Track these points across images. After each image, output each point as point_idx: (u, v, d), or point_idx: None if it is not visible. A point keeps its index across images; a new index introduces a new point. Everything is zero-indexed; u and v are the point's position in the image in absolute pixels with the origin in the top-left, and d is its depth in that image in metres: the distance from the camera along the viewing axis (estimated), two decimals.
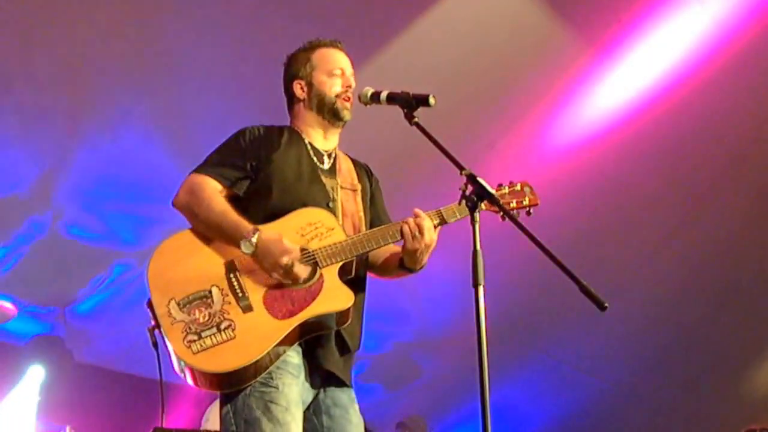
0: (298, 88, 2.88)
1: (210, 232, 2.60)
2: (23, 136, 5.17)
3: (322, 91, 2.84)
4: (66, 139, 5.21)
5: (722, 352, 6.99)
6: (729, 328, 6.82)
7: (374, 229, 2.75)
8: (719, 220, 6.13)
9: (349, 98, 2.84)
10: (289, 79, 2.92)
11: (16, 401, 5.88)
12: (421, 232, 2.61)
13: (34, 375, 5.98)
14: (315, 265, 2.58)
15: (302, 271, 2.54)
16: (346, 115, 2.85)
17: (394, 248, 2.78)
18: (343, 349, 2.66)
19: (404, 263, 2.72)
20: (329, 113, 2.84)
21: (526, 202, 2.85)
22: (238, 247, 2.52)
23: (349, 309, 2.58)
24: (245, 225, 2.54)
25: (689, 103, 5.34)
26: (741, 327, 6.83)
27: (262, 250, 2.50)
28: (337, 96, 2.83)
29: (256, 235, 2.51)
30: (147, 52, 4.86)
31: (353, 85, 2.86)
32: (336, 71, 2.86)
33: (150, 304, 2.51)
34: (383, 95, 2.68)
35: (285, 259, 2.49)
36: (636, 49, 5.12)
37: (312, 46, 2.91)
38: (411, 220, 2.64)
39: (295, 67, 2.91)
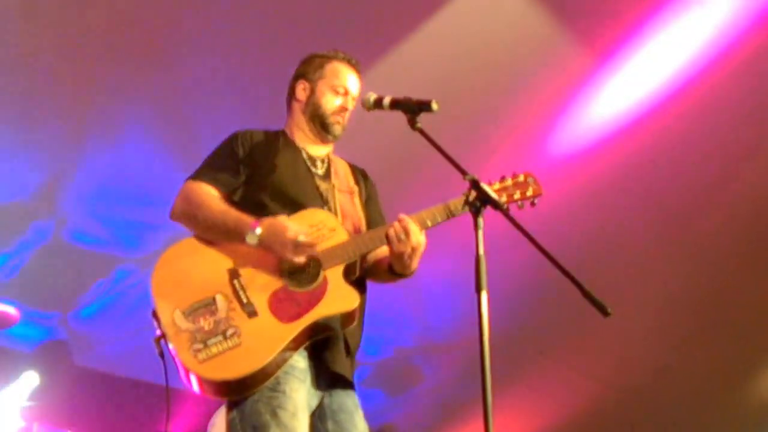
0: (300, 89, 2.91)
1: (212, 233, 2.61)
2: (27, 142, 5.18)
3: (318, 102, 2.87)
4: (69, 145, 5.22)
5: (726, 358, 6.98)
6: (733, 334, 6.80)
7: (376, 228, 2.77)
8: (723, 223, 6.12)
9: (342, 118, 2.86)
10: (297, 75, 2.95)
11: (4, 405, 5.87)
12: (407, 234, 2.59)
13: (27, 381, 5.97)
14: (318, 267, 2.58)
15: (310, 243, 2.52)
16: (337, 130, 2.87)
17: (384, 252, 2.76)
18: (347, 350, 2.67)
19: (393, 268, 2.71)
20: (320, 126, 2.87)
21: (530, 193, 2.83)
22: (243, 240, 2.52)
23: (355, 310, 2.58)
24: (246, 219, 2.55)
25: (691, 106, 5.34)
26: (745, 333, 6.82)
27: (267, 234, 2.51)
28: (331, 113, 2.86)
29: (258, 227, 2.51)
30: (150, 57, 4.87)
31: (350, 108, 2.88)
32: (340, 89, 2.88)
33: (155, 314, 2.51)
34: (386, 101, 2.69)
35: (290, 233, 2.49)
36: (637, 55, 5.12)
37: (330, 56, 2.93)
38: (396, 224, 2.62)
39: (307, 67, 2.94)
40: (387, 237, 2.62)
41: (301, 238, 2.50)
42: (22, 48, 4.70)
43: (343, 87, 2.88)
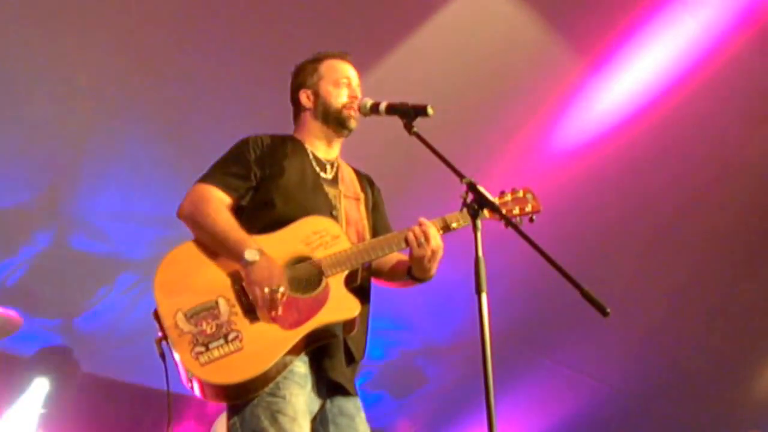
0: (305, 97, 2.91)
1: (213, 246, 2.61)
2: (28, 149, 5.19)
3: (328, 101, 2.87)
4: (71, 151, 5.23)
5: (726, 357, 6.98)
6: (733, 333, 6.80)
7: (379, 237, 2.76)
8: (721, 221, 6.12)
9: (354, 108, 2.85)
10: (295, 88, 2.95)
11: (19, 414, 5.88)
12: (426, 239, 2.61)
13: (38, 387, 5.98)
14: (321, 274, 2.59)
15: (279, 307, 2.49)
16: (352, 124, 2.87)
17: (401, 255, 2.78)
18: (349, 359, 2.67)
19: (412, 273, 2.72)
20: (335, 122, 2.87)
21: (528, 209, 2.86)
22: (238, 261, 2.52)
23: (355, 318, 2.58)
24: (249, 243, 2.54)
25: (683, 108, 5.37)
26: (745, 332, 6.82)
27: (260, 265, 2.49)
28: (343, 106, 2.86)
29: (259, 253, 2.51)
30: (151, 62, 4.88)
31: (359, 96, 2.88)
32: (342, 80, 2.89)
33: (157, 315, 2.51)
34: (382, 106, 2.71)
35: (268, 286, 2.46)
36: (629, 58, 5.15)
37: (320, 57, 2.95)
38: (416, 228, 2.64)
39: (302, 76, 2.95)
40: (407, 241, 2.64)
41: (274, 294, 2.46)
42: (22, 51, 4.72)
43: (345, 77, 2.90)
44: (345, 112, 2.85)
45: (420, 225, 2.64)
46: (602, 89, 5.32)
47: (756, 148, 5.68)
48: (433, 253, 2.63)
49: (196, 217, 2.64)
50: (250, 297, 2.50)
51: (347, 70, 2.93)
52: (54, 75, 4.86)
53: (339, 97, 2.87)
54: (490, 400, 2.12)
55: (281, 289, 2.46)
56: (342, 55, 2.96)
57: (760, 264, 6.41)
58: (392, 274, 2.84)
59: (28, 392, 5.89)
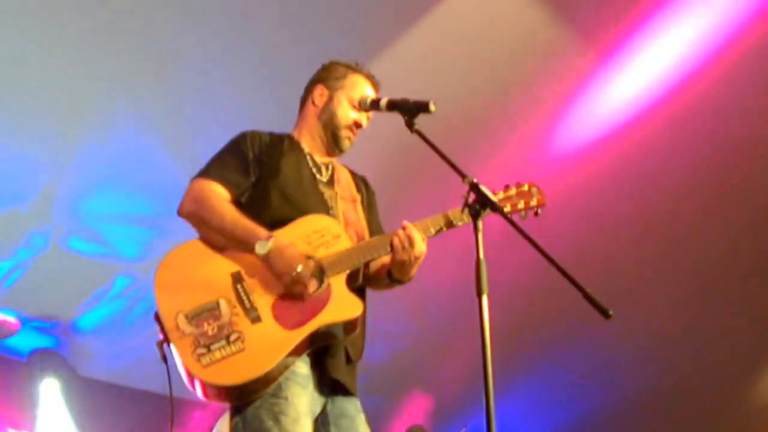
0: (318, 94, 2.90)
1: (222, 239, 2.60)
2: (22, 149, 5.17)
3: (335, 112, 2.85)
4: (66, 151, 5.21)
5: (731, 361, 6.96)
6: (738, 339, 6.79)
7: (377, 236, 2.77)
8: (732, 223, 6.09)
9: (354, 132, 2.85)
10: (316, 79, 2.94)
11: (52, 422, 5.88)
12: (411, 243, 2.61)
13: (50, 389, 5.98)
14: (322, 274, 2.58)
15: (312, 284, 2.52)
16: (346, 145, 2.87)
17: (384, 259, 2.77)
18: (348, 358, 2.67)
19: (393, 275, 2.72)
20: (331, 136, 2.86)
21: (533, 203, 2.84)
22: (252, 250, 2.51)
23: (358, 317, 2.58)
24: (261, 230, 2.55)
25: (694, 103, 5.32)
26: (750, 337, 6.81)
27: (277, 254, 2.50)
28: (345, 125, 2.84)
29: (271, 240, 2.51)
30: (148, 61, 4.86)
31: (364, 126, 2.88)
32: (357, 104, 2.86)
33: (158, 318, 2.50)
34: (383, 102, 2.68)
35: (299, 267, 2.48)
36: (639, 52, 5.10)
37: (355, 68, 2.92)
38: (401, 232, 2.63)
39: (328, 73, 2.93)
40: (391, 245, 2.63)
41: (302, 275, 2.48)
42: (17, 50, 4.69)
43: (362, 102, 2.86)
44: (343, 132, 2.85)
45: (404, 229, 2.64)
46: (611, 83, 5.26)
47: None
48: (416, 257, 2.64)
49: (200, 213, 2.62)
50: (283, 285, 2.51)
51: (369, 98, 2.88)
52: (51, 74, 4.84)
53: (345, 116, 2.85)
54: (490, 404, 2.11)
55: (299, 269, 2.47)
56: (374, 81, 2.92)
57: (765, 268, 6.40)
58: (374, 279, 2.83)
59: (42, 396, 5.89)
